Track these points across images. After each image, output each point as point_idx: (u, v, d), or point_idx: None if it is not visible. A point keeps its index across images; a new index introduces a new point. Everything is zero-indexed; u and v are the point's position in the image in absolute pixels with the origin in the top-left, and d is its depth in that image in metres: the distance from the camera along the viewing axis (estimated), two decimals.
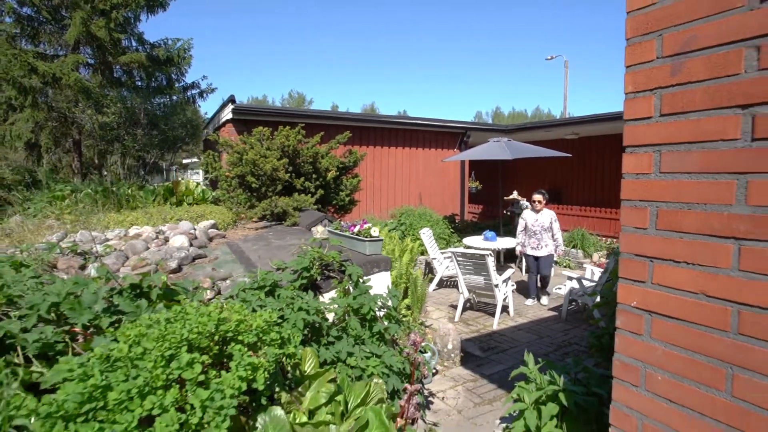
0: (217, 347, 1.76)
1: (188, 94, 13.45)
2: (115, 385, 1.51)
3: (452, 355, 4.69)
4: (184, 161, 22.19)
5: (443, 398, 3.93)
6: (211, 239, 4.63)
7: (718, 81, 1.21)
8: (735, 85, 1.17)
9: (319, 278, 3.13)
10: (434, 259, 7.70)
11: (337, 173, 7.01)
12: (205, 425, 1.50)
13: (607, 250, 9.65)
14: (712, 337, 1.24)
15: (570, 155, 8.82)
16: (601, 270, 6.31)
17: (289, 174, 6.16)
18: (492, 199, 13.46)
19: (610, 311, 3.34)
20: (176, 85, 12.51)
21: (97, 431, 1.42)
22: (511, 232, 9.63)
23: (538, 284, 6.63)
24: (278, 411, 1.76)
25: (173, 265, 3.34)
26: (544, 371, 2.50)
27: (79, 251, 3.30)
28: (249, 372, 1.68)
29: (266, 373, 1.75)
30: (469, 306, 6.66)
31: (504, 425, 2.89)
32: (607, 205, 10.91)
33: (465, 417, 3.62)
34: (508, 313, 6.23)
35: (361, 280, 3.17)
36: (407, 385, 2.17)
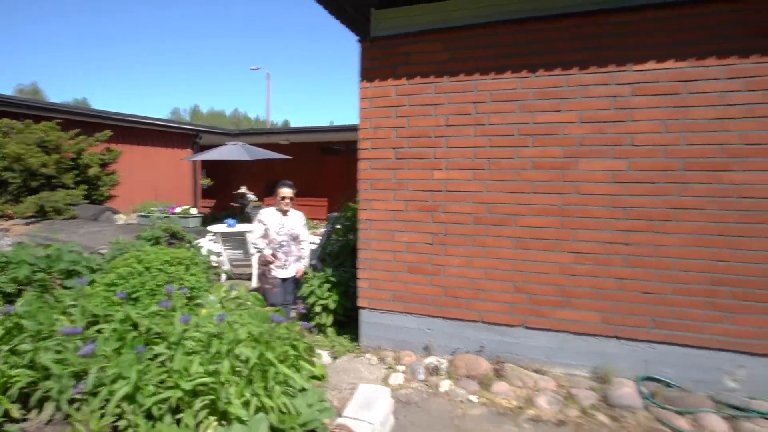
0: (179, 266, 3.01)
1: None
2: (141, 285, 2.64)
3: None
4: None
5: None
6: None
7: (387, 139, 3.59)
8: (390, 141, 3.58)
9: (164, 244, 4.15)
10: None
11: (98, 170, 6.91)
12: (197, 296, 2.86)
13: (315, 229, 12.72)
14: (388, 223, 3.63)
15: (291, 157, 11.30)
16: (319, 238, 8.97)
17: (54, 169, 5.82)
18: (222, 193, 14.65)
19: (331, 260, 5.73)
20: None
21: (147, 304, 2.57)
22: (247, 220, 10.97)
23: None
24: (211, 297, 3.16)
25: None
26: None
27: None
28: (198, 275, 3.05)
29: (204, 276, 3.13)
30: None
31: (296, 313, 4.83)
32: (312, 195, 14.08)
33: None
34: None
35: (195, 242, 4.40)
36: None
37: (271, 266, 4.06)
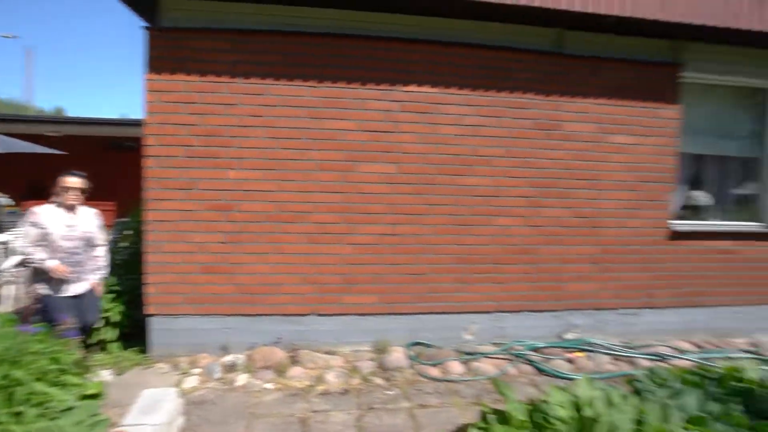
0: None
1: None
2: None
3: None
4: None
5: None
6: None
7: (177, 136, 3.80)
8: (181, 138, 3.79)
9: None
10: None
11: None
12: None
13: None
14: (179, 224, 3.82)
15: (67, 153, 9.86)
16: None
17: None
18: None
19: (118, 269, 5.47)
20: None
21: None
22: None
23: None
24: None
25: None
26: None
27: None
28: None
29: None
30: None
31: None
32: (97, 198, 12.45)
33: None
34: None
35: None
36: None
37: (51, 282, 3.36)
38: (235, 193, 3.86)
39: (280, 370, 3.71)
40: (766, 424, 2.47)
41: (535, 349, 4.11)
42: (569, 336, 4.33)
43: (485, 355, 3.98)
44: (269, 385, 3.57)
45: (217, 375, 3.66)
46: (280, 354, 3.83)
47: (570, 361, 4.00)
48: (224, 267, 3.87)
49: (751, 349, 4.39)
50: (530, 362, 3.92)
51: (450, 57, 4.06)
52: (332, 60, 3.93)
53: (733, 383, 2.93)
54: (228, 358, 3.83)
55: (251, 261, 3.89)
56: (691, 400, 2.77)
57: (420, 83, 4.03)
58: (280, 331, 3.95)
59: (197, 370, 3.73)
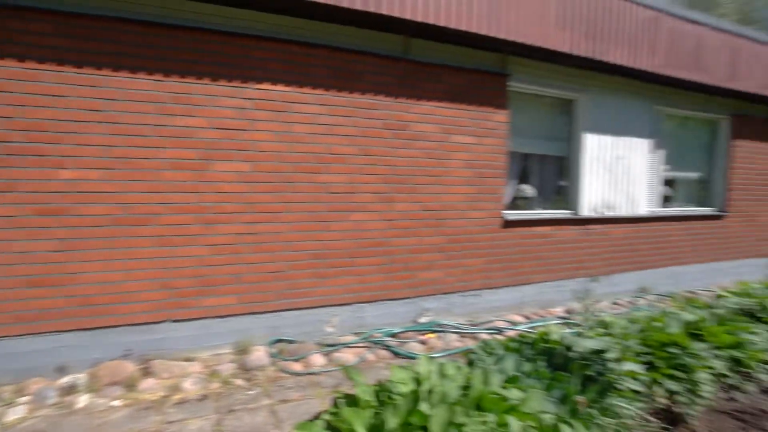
0: None
1: None
2: None
3: None
4: None
5: None
6: None
7: None
8: None
9: None
10: None
11: None
12: None
13: None
14: (8, 232, 3.37)
15: None
16: None
17: None
18: None
19: None
20: None
21: None
22: None
23: None
24: None
25: None
26: None
27: None
28: None
29: None
30: None
31: None
32: None
33: None
34: None
35: None
36: None
37: None
38: (70, 195, 3.52)
39: (130, 385, 3.52)
40: (561, 374, 3.10)
41: (393, 335, 4.50)
42: (423, 320, 4.82)
43: (346, 345, 4.25)
44: (117, 402, 3.37)
45: (52, 400, 3.33)
46: (129, 367, 3.62)
47: (423, 342, 4.46)
48: (58, 278, 3.52)
49: (565, 315, 5.37)
50: (387, 347, 4.29)
51: (305, 57, 4.20)
52: (179, 54, 3.80)
53: (542, 345, 3.59)
54: (66, 380, 3.50)
55: (93, 269, 3.59)
56: (510, 363, 3.32)
57: (274, 81, 4.11)
58: (130, 343, 3.73)
59: (25, 398, 3.34)
